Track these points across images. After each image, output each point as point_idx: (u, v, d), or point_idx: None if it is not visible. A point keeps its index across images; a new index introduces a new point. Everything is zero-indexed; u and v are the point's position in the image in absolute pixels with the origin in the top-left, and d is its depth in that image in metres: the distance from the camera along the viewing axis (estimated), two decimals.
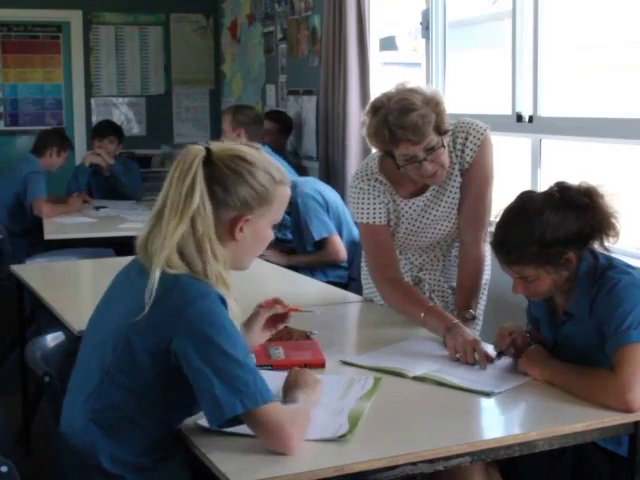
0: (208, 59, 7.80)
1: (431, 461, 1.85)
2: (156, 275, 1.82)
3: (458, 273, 2.84)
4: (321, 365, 2.34)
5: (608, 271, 2.19)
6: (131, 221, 5.19)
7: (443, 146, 2.63)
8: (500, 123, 4.12)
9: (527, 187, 3.51)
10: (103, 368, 1.89)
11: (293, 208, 4.38)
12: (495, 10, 4.56)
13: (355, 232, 4.57)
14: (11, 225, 5.44)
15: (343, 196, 4.73)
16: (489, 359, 2.35)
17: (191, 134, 7.72)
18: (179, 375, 1.82)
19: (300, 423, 1.83)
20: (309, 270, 4.29)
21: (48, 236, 4.92)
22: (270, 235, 2.02)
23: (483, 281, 2.92)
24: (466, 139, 2.75)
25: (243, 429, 1.83)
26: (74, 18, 7.46)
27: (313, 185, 4.55)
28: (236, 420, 1.79)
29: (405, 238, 2.88)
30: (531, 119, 3.92)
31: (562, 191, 2.22)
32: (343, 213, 4.55)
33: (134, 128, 7.65)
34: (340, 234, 4.48)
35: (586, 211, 2.18)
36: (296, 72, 6.13)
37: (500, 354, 2.35)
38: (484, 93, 4.68)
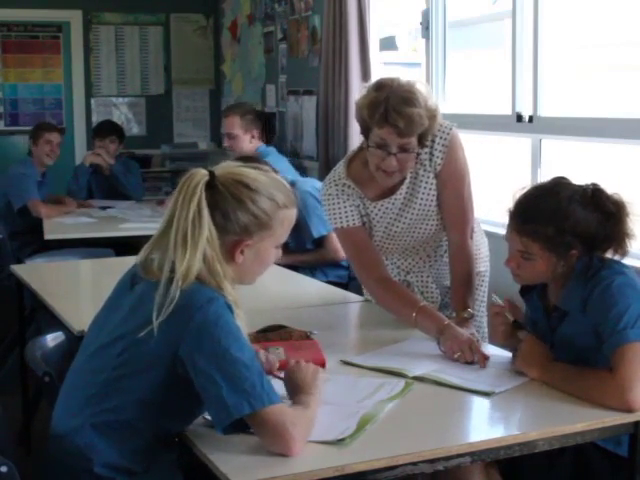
0: (208, 59, 7.80)
1: (431, 461, 1.85)
2: (176, 294, 1.82)
3: (450, 275, 2.83)
4: (321, 365, 2.34)
5: (602, 271, 2.20)
6: (131, 221, 5.18)
7: (416, 154, 2.65)
8: (500, 123, 4.13)
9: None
10: (106, 372, 1.89)
11: None
12: (495, 10, 4.56)
13: None
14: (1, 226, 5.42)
15: None
16: (485, 357, 2.36)
17: (191, 134, 7.73)
18: (183, 382, 1.84)
19: (304, 426, 1.83)
20: (309, 270, 4.29)
21: (48, 236, 4.91)
22: (274, 255, 2.03)
23: (483, 269, 2.95)
24: (433, 141, 2.74)
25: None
26: (74, 18, 7.46)
27: (312, 184, 4.55)
28: (241, 423, 1.80)
29: (383, 242, 2.88)
30: (531, 119, 3.92)
31: (595, 192, 2.24)
32: None
33: (134, 128, 7.65)
34: None
35: (609, 219, 2.21)
36: (296, 72, 6.13)
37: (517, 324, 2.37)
38: (484, 93, 4.68)
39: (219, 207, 1.91)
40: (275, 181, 2.00)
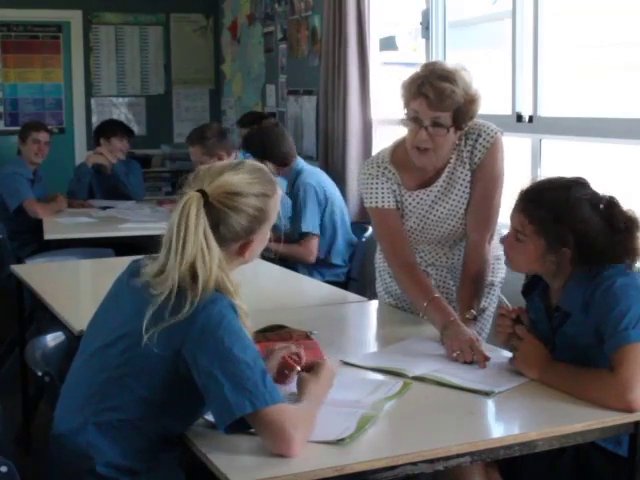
0: (208, 59, 7.80)
1: (431, 461, 1.85)
2: (192, 306, 1.83)
3: (461, 273, 2.85)
4: None
5: (604, 271, 2.19)
6: (131, 221, 5.18)
7: (448, 131, 2.67)
8: (500, 123, 4.09)
9: None
10: (108, 371, 1.90)
11: (294, 193, 4.37)
12: (495, 10, 4.56)
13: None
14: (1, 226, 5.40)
15: (343, 196, 4.74)
16: (486, 358, 2.36)
17: None
18: (185, 382, 1.84)
19: (305, 427, 1.84)
20: (307, 270, 4.29)
21: (48, 236, 4.90)
22: (268, 233, 2.07)
23: (498, 279, 2.95)
24: (476, 140, 2.80)
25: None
26: (74, 18, 7.46)
27: (318, 179, 4.53)
28: (243, 422, 1.80)
29: (413, 232, 2.90)
30: (531, 119, 3.93)
31: (610, 204, 2.24)
32: (342, 213, 4.54)
33: (134, 128, 7.60)
34: (336, 234, 4.46)
35: (615, 235, 2.20)
36: (296, 72, 6.13)
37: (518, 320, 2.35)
38: (484, 93, 4.66)
39: (221, 221, 1.93)
40: (255, 174, 2.00)
